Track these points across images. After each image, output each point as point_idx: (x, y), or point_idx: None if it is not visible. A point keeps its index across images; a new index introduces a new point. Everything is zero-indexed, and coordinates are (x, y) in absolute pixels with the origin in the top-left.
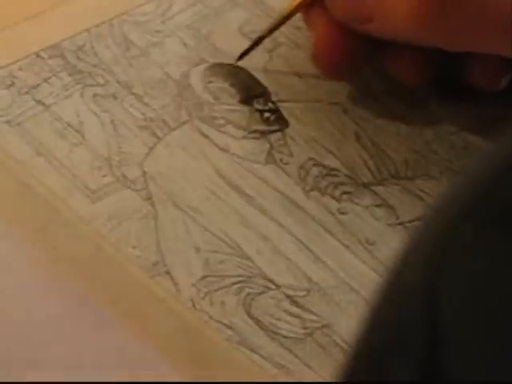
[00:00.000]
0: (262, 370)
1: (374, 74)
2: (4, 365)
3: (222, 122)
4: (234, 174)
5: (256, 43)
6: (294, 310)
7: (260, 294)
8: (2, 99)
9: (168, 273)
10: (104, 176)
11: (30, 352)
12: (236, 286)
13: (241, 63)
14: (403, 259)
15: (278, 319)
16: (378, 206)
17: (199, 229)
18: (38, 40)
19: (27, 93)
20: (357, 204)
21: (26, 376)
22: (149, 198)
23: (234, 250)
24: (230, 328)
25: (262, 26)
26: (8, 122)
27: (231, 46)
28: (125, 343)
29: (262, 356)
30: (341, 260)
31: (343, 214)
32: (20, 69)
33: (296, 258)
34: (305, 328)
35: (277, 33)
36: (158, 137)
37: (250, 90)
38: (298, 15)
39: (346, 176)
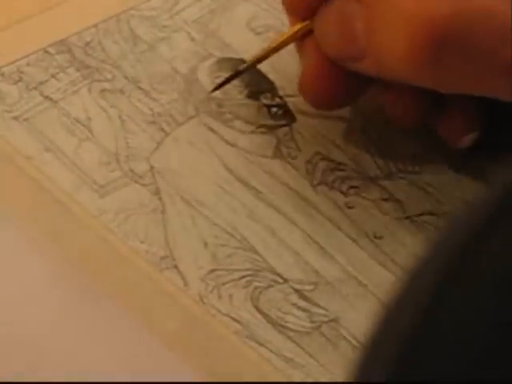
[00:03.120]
0: (270, 364)
1: None
2: (7, 363)
3: (229, 116)
4: (242, 169)
5: (236, 75)
6: (302, 303)
7: (268, 287)
8: (10, 95)
9: (176, 267)
10: (112, 171)
11: (36, 348)
12: (244, 280)
13: (248, 58)
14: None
15: (286, 313)
16: (385, 200)
17: (207, 223)
18: (45, 36)
19: (35, 88)
20: (364, 198)
21: (29, 374)
22: (157, 193)
23: (242, 244)
24: (237, 322)
25: (270, 20)
26: (16, 117)
27: (239, 40)
28: (133, 337)
29: (269, 349)
30: (348, 254)
31: (350, 208)
32: (28, 64)
33: (303, 251)
34: (312, 322)
35: (283, 27)
36: (165, 132)
37: (258, 85)
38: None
39: (354, 170)
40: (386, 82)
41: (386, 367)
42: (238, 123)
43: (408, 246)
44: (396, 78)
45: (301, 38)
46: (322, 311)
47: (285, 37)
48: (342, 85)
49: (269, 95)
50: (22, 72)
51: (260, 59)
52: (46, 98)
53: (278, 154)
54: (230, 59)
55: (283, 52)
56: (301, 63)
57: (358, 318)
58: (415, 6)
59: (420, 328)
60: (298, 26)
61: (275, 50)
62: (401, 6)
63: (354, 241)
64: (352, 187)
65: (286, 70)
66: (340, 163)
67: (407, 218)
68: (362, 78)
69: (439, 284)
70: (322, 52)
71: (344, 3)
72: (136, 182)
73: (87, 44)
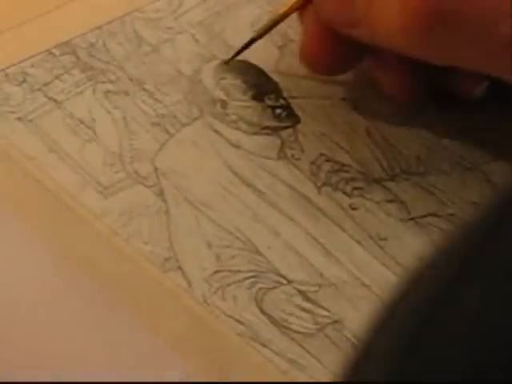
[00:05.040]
0: (274, 365)
1: None
2: (11, 363)
3: (233, 118)
4: (246, 170)
5: (249, 44)
6: (306, 305)
7: (272, 289)
8: (15, 96)
9: (180, 268)
10: (116, 172)
11: (39, 349)
12: (248, 281)
13: (252, 60)
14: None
15: (290, 314)
16: (389, 201)
17: (211, 224)
18: (49, 37)
19: (39, 89)
20: (368, 199)
21: (33, 374)
22: (161, 194)
23: (246, 245)
24: (241, 323)
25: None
26: (20, 118)
27: (243, 42)
28: (136, 338)
29: (273, 351)
30: (352, 255)
31: (355, 209)
32: (32, 66)
33: (308, 253)
34: (316, 323)
35: (288, 29)
36: (169, 133)
37: (262, 87)
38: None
39: (358, 171)
40: (378, 52)
41: (384, 367)
42: (242, 124)
43: (412, 248)
44: (389, 46)
45: (302, 7)
46: (325, 313)
47: (286, 6)
48: (340, 51)
49: (273, 96)
50: (26, 73)
51: (267, 29)
52: (51, 99)
53: (282, 155)
54: (234, 61)
55: (287, 53)
56: (302, 30)
57: (362, 320)
58: None
59: (419, 329)
60: None
61: (280, 19)
62: None
63: (358, 242)
64: (356, 188)
65: (290, 71)
66: (344, 164)
67: (411, 219)
68: (358, 46)
69: (439, 286)
70: (319, 21)
71: None
72: (140, 183)
73: (91, 45)
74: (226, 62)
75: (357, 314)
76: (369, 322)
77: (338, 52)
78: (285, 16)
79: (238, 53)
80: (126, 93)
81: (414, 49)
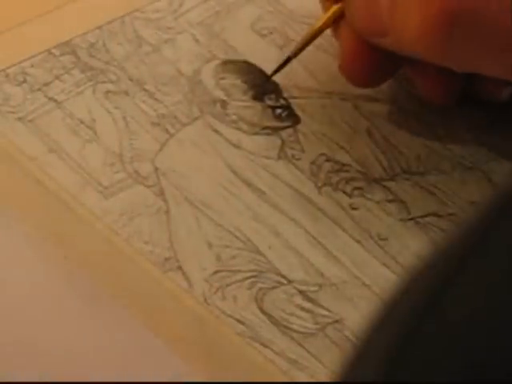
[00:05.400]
0: (274, 365)
1: None
2: (12, 362)
3: (234, 118)
4: (246, 170)
5: (285, 63)
6: (306, 305)
7: (272, 288)
8: (15, 96)
9: (180, 268)
10: (116, 172)
11: (39, 349)
12: (248, 281)
13: (252, 60)
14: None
15: (290, 314)
16: (389, 201)
17: (211, 224)
18: (50, 37)
19: (39, 90)
20: (368, 199)
21: (32, 374)
22: (161, 194)
23: (246, 245)
24: (241, 323)
25: (274, 22)
26: (20, 118)
27: (243, 42)
28: (136, 338)
29: (273, 351)
30: (353, 255)
31: (355, 209)
32: (32, 66)
33: (308, 253)
34: (316, 323)
35: (288, 29)
36: (169, 133)
37: (262, 87)
38: (310, 10)
39: (358, 171)
40: (414, 61)
41: (381, 367)
42: (242, 124)
43: (412, 247)
44: (413, 54)
45: (335, 22)
46: (326, 312)
47: (321, 21)
48: (377, 62)
49: (273, 96)
50: (26, 73)
51: (303, 46)
52: (51, 99)
53: (282, 155)
54: (235, 61)
55: (287, 53)
56: (339, 45)
57: (362, 320)
58: None
59: (413, 329)
60: (332, 9)
61: (315, 35)
62: None
63: (359, 242)
64: (356, 188)
65: (290, 71)
66: (344, 164)
67: (411, 219)
68: (394, 57)
69: (437, 285)
70: (355, 33)
71: None
72: (140, 183)
73: (92, 45)
74: (268, 78)
75: (357, 314)
76: (367, 321)
77: (376, 63)
78: (320, 31)
79: (275, 72)
80: (126, 93)
81: (435, 56)
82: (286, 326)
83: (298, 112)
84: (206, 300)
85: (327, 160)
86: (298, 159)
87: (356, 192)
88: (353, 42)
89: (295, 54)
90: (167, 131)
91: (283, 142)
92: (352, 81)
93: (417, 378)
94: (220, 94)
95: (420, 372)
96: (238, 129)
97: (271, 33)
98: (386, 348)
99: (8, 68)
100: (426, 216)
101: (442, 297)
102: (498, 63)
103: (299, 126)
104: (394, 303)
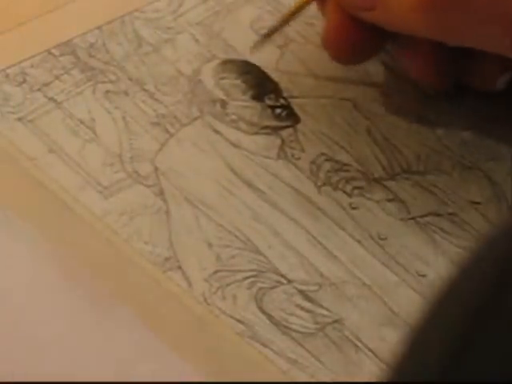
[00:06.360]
0: (274, 365)
1: (385, 68)
2: (12, 362)
3: (233, 118)
4: (246, 170)
5: (271, 33)
6: (306, 304)
7: (272, 288)
8: (14, 96)
9: (180, 268)
10: (116, 172)
11: (38, 349)
12: (248, 281)
13: (252, 59)
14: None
15: (290, 314)
16: (389, 200)
17: (211, 224)
18: (49, 37)
19: (39, 90)
20: (368, 199)
21: (32, 373)
22: (161, 194)
23: (246, 245)
24: (241, 323)
25: (274, 22)
26: (20, 118)
27: (243, 42)
28: (136, 338)
29: (273, 351)
30: (352, 255)
31: (355, 208)
32: (32, 66)
33: (308, 252)
34: (316, 323)
35: (288, 29)
36: (169, 133)
37: (262, 86)
38: (312, 10)
39: (358, 171)
40: (402, 38)
41: (435, 366)
42: (242, 124)
43: (412, 247)
44: (402, 29)
45: None
46: (325, 312)
47: None
48: (362, 38)
49: (273, 96)
50: (26, 73)
51: (286, 20)
52: (50, 99)
53: (282, 155)
54: (234, 61)
55: (287, 53)
56: (323, 19)
57: (362, 319)
58: None
59: (472, 326)
60: None
61: (300, 9)
62: None
63: (358, 242)
64: (356, 188)
65: (290, 70)
66: (344, 164)
67: (411, 218)
68: (379, 32)
69: (493, 283)
70: (341, 8)
71: None
72: (140, 183)
73: (91, 45)
74: (258, 43)
75: (357, 314)
76: (419, 317)
77: (361, 39)
78: (306, 3)
79: (261, 43)
80: (126, 93)
81: (426, 29)
82: (285, 326)
83: (298, 112)
84: (205, 300)
85: (327, 159)
86: (298, 159)
87: (356, 191)
88: (338, 15)
89: (275, 30)
90: (167, 131)
91: (283, 141)
92: (335, 56)
93: (478, 378)
94: (220, 94)
95: (481, 372)
96: (238, 128)
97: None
98: (443, 348)
99: (8, 68)
100: (425, 215)
101: (500, 294)
102: (481, 35)
103: (299, 126)
104: (450, 298)
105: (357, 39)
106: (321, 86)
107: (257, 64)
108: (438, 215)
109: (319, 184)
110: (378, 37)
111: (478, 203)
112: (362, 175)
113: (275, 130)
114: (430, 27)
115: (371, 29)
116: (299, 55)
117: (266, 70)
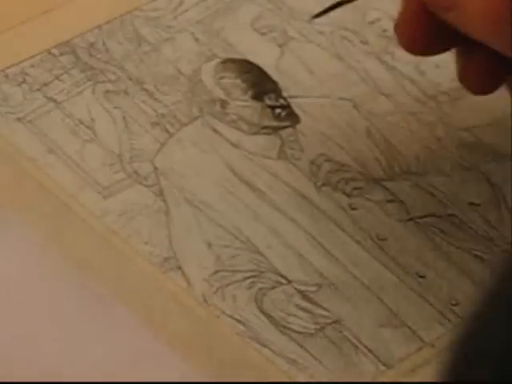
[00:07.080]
0: (273, 365)
1: (385, 68)
2: (11, 362)
3: (233, 117)
4: (246, 170)
5: (337, 4)
6: (306, 305)
7: (271, 288)
8: (14, 96)
9: (180, 268)
10: (115, 172)
11: (40, 349)
12: (248, 281)
13: (252, 59)
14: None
15: (290, 314)
16: (389, 201)
17: (211, 224)
18: (49, 37)
19: (39, 90)
20: (368, 199)
21: (32, 373)
22: (160, 194)
23: (246, 245)
24: (241, 323)
25: (274, 20)
26: (20, 119)
27: (243, 41)
28: (136, 337)
29: (273, 351)
30: (352, 255)
31: (354, 209)
32: (32, 66)
33: (307, 253)
34: (316, 323)
35: (288, 27)
36: (169, 133)
37: (262, 86)
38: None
39: (358, 171)
40: (469, 41)
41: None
42: (242, 124)
43: (411, 248)
44: (471, 32)
45: None
46: (325, 313)
47: None
48: (435, 35)
49: (273, 96)
50: (25, 73)
51: None
52: (50, 99)
53: (281, 155)
54: (234, 60)
55: (287, 52)
56: (401, 4)
57: (362, 320)
58: None
59: None
60: None
61: None
62: None
63: (358, 242)
64: (356, 188)
65: (289, 70)
66: (344, 164)
67: (411, 219)
68: (451, 32)
69: None
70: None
71: None
72: (140, 183)
73: (91, 45)
74: (315, 17)
75: (356, 314)
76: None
77: (434, 35)
78: None
79: (326, 11)
80: (126, 92)
81: (492, 37)
82: (285, 326)
83: (298, 112)
84: (205, 300)
85: (327, 160)
86: (298, 159)
87: (355, 192)
88: (417, 7)
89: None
90: (167, 131)
91: (283, 141)
92: (404, 44)
93: None
94: (220, 94)
95: None
96: (238, 128)
97: (271, 31)
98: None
99: (7, 68)
100: (425, 216)
101: None
102: None
103: (299, 126)
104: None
105: (430, 35)
106: (320, 86)
107: (257, 63)
108: (438, 216)
109: (319, 184)
110: (450, 37)
111: (478, 205)
112: (361, 176)
113: (275, 130)
114: (495, 37)
115: (444, 27)
116: (299, 55)
117: (265, 70)
